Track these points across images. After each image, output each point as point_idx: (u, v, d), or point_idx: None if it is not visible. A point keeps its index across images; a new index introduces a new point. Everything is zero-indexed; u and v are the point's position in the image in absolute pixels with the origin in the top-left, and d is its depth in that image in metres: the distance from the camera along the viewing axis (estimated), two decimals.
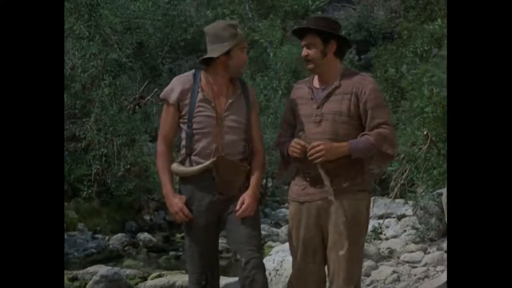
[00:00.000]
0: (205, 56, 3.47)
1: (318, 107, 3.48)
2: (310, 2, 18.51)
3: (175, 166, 3.49)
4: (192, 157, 3.46)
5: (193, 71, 3.54)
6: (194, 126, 3.42)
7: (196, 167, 3.42)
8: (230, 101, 3.48)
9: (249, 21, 17.06)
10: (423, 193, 7.82)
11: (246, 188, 3.47)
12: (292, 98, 3.63)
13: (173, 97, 3.44)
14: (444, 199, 7.44)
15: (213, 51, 3.43)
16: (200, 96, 3.44)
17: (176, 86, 3.47)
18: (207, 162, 3.38)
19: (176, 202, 3.43)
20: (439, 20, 9.59)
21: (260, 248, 3.53)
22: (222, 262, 4.19)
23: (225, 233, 3.54)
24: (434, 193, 7.76)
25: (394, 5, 15.46)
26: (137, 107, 12.44)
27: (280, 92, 14.51)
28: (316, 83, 3.58)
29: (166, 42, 14.76)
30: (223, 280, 5.56)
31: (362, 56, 18.15)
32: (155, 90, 12.75)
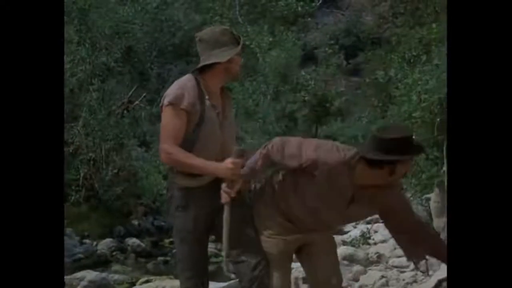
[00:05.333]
0: (213, 61, 3.34)
1: None
2: (299, 8, 18.56)
3: (179, 179, 3.39)
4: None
5: (191, 75, 3.40)
6: (201, 133, 3.32)
7: (207, 177, 3.33)
8: (227, 107, 3.46)
9: (239, 26, 17.07)
10: (412, 198, 7.85)
11: (239, 191, 3.45)
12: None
13: (185, 102, 3.27)
14: (432, 204, 7.47)
15: (219, 55, 3.33)
16: (207, 102, 3.34)
17: (186, 90, 3.30)
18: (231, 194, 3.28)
19: (226, 164, 3.25)
20: (428, 25, 9.65)
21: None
22: (210, 267, 4.18)
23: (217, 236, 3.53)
24: (423, 198, 7.80)
25: (382, 11, 15.52)
26: (125, 111, 12.39)
27: (268, 96, 14.52)
28: None
29: (155, 46, 14.75)
30: (212, 286, 5.55)
31: (350, 61, 18.22)
32: (144, 94, 12.74)
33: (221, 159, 3.28)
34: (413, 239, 3.32)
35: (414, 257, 3.42)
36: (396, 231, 3.39)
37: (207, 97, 3.33)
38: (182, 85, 3.32)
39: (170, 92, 3.30)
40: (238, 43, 3.40)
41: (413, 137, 3.19)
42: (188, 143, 3.31)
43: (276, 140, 3.25)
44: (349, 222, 3.54)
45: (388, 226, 3.44)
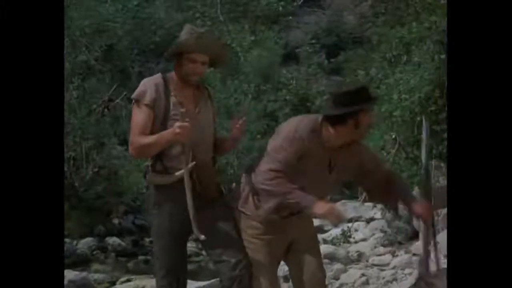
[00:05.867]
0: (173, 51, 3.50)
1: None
2: (280, 7, 18.56)
3: (151, 176, 3.48)
4: (166, 163, 3.44)
5: (161, 74, 3.53)
6: (167, 129, 3.39)
7: (177, 174, 3.39)
8: (199, 104, 3.52)
9: (220, 25, 17.04)
10: None
11: (220, 190, 3.53)
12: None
13: (148, 98, 3.42)
14: None
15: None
16: (173, 99, 3.45)
17: (149, 87, 3.45)
18: (189, 166, 3.34)
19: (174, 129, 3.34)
20: (408, 25, 9.69)
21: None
22: (191, 266, 4.17)
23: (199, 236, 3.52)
24: None
25: (363, 10, 15.58)
26: (106, 110, 12.31)
27: (250, 96, 14.50)
28: None
29: (136, 45, 14.66)
30: (192, 285, 5.54)
31: (331, 60, 18.26)
32: (124, 93, 12.65)
33: (192, 155, 3.36)
34: (386, 189, 3.45)
35: (390, 204, 3.70)
36: (372, 187, 3.53)
37: (172, 94, 3.44)
38: (146, 82, 3.48)
39: (136, 90, 3.47)
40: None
41: (368, 88, 3.35)
42: None
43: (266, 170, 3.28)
44: (334, 191, 3.62)
45: (364, 185, 3.60)
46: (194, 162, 3.36)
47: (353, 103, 3.16)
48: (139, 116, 3.42)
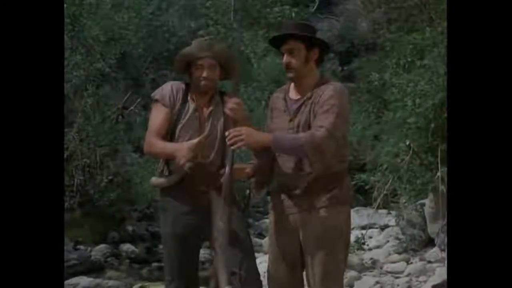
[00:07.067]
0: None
1: (290, 120, 3.36)
2: (294, 14, 18.56)
3: (154, 180, 3.57)
4: (171, 167, 3.51)
5: (184, 81, 3.65)
6: (178, 133, 3.50)
7: (173, 176, 3.46)
8: (210, 110, 3.58)
9: (233, 32, 17.07)
10: (406, 204, 7.86)
11: (232, 197, 3.45)
12: (270, 108, 3.56)
13: (166, 99, 3.54)
14: (427, 209, 7.47)
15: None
16: (188, 105, 3.54)
17: (170, 89, 3.57)
18: (186, 167, 3.37)
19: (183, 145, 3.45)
20: (422, 31, 9.66)
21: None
22: (204, 273, 4.16)
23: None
24: (417, 203, 7.80)
25: (377, 17, 15.55)
26: (120, 117, 12.36)
27: (263, 102, 14.50)
28: (292, 93, 3.46)
29: (150, 52, 14.71)
30: None
31: (344, 67, 18.22)
32: (138, 100, 12.70)
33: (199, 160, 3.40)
34: None
35: None
36: None
37: (188, 98, 3.55)
38: (168, 85, 3.62)
39: (157, 90, 3.62)
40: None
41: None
42: (169, 140, 3.52)
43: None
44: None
45: None
46: (191, 163, 3.36)
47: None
48: (157, 115, 3.53)
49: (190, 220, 3.43)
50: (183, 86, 3.61)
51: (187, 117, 3.51)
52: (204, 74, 3.50)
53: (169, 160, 3.51)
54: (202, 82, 3.53)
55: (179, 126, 3.50)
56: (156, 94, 3.57)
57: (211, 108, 3.58)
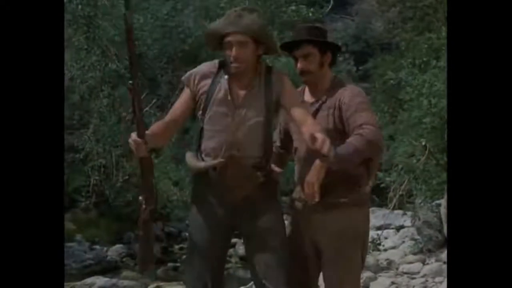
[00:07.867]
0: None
1: None
2: (310, 14, 18.55)
3: (189, 156, 3.23)
4: (203, 157, 3.17)
5: (218, 60, 3.24)
6: (206, 120, 3.15)
7: (202, 164, 3.13)
8: (244, 94, 3.14)
9: None
10: (422, 204, 7.83)
11: (252, 201, 3.15)
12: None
13: (192, 82, 3.20)
14: (442, 209, 7.44)
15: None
16: (218, 87, 3.14)
17: (199, 73, 3.21)
18: (215, 161, 3.08)
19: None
20: (437, 30, 9.62)
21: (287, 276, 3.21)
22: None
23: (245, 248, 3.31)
24: (433, 204, 7.77)
25: (392, 16, 15.48)
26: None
27: None
28: (307, 96, 3.42)
29: (165, 53, 14.76)
30: None
31: (360, 67, 18.18)
32: (154, 101, 12.75)
33: (229, 150, 3.08)
34: None
35: None
36: None
37: (220, 81, 3.15)
38: (199, 67, 3.27)
39: (188, 72, 3.29)
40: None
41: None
42: (198, 126, 3.21)
43: None
44: None
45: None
46: (222, 159, 3.08)
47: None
48: (180, 97, 3.26)
49: (221, 215, 3.15)
50: (216, 65, 3.19)
51: (216, 101, 3.12)
52: (234, 53, 3.06)
53: (201, 151, 3.18)
54: (233, 64, 3.09)
55: (209, 112, 3.13)
56: (184, 76, 3.25)
57: (245, 91, 3.13)
